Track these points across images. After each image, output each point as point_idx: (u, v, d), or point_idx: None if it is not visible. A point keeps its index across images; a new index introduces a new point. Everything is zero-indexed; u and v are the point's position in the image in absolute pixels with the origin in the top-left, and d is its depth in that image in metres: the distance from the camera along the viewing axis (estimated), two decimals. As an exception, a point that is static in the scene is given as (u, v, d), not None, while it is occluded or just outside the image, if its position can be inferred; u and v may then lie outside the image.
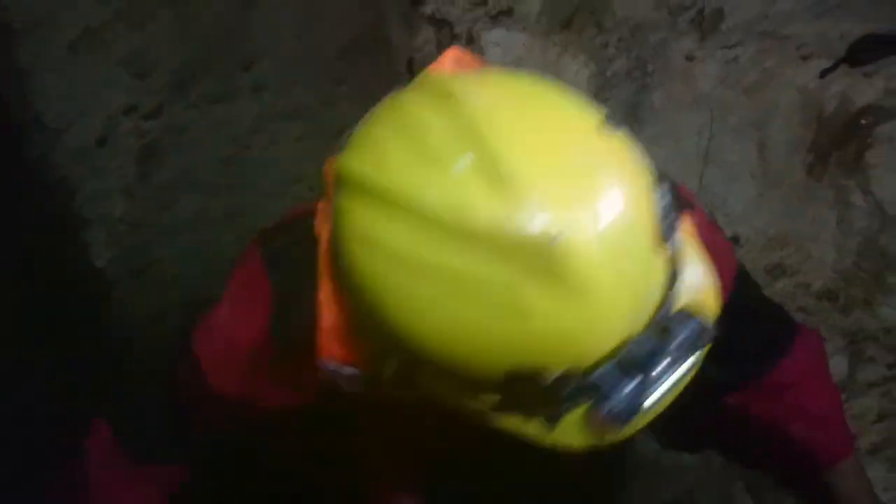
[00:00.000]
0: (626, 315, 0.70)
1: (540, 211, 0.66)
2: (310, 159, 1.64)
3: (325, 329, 0.80)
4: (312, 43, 1.69)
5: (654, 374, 0.71)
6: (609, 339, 0.70)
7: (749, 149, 1.72)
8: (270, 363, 0.96)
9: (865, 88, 1.65)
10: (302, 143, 1.69)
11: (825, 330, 1.46)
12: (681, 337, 0.73)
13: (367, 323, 0.75)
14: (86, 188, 1.47)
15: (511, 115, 0.71)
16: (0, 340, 1.49)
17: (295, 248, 0.92)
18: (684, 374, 0.74)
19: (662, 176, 0.74)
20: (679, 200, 0.76)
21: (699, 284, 0.78)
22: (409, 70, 1.89)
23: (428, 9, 1.90)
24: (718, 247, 0.95)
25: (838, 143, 1.65)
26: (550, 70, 1.86)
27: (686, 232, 0.79)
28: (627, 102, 1.86)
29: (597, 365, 0.70)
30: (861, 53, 1.67)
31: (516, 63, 1.86)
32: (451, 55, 0.84)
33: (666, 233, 0.72)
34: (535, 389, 0.70)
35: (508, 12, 1.89)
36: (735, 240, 1.71)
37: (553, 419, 0.75)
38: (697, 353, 0.74)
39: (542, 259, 0.65)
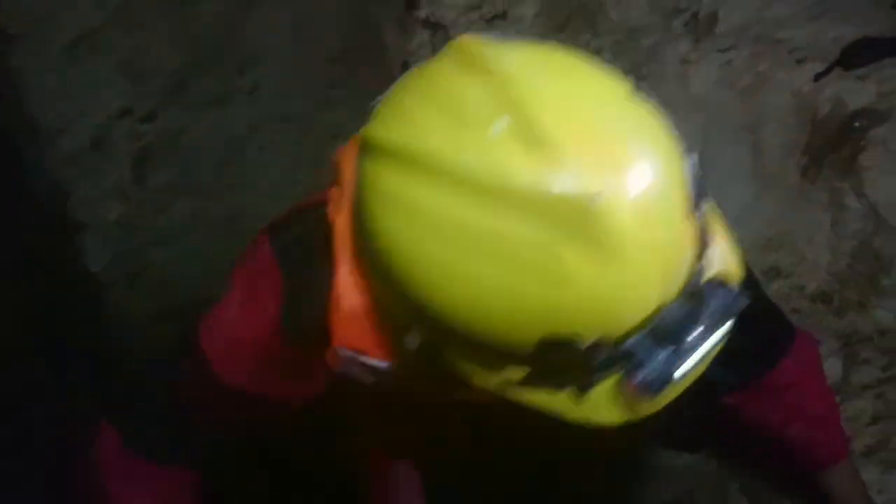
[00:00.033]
0: (659, 281, 0.69)
1: (577, 173, 0.65)
2: (306, 162, 1.64)
3: (344, 313, 0.78)
4: (308, 47, 1.69)
5: (687, 342, 0.71)
6: (644, 305, 0.69)
7: (743, 152, 1.72)
8: (281, 354, 0.95)
9: (859, 91, 1.66)
10: (298, 146, 1.68)
11: (819, 332, 1.46)
12: (713, 305, 0.73)
13: (395, 295, 0.74)
14: (81, 191, 1.47)
15: (544, 80, 0.71)
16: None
17: (306, 237, 0.91)
18: (716, 344, 0.74)
19: (691, 147, 0.73)
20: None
21: (726, 255, 0.78)
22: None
23: (422, 13, 1.89)
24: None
25: (832, 145, 1.65)
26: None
27: (710, 205, 0.79)
28: (622, 106, 1.85)
29: (630, 333, 0.70)
30: (854, 57, 1.68)
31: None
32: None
33: (696, 202, 0.72)
34: (567, 359, 0.70)
35: (503, 16, 1.88)
36: (730, 242, 1.71)
37: (584, 389, 0.74)
38: (729, 323, 0.74)
39: (580, 220, 0.65)
